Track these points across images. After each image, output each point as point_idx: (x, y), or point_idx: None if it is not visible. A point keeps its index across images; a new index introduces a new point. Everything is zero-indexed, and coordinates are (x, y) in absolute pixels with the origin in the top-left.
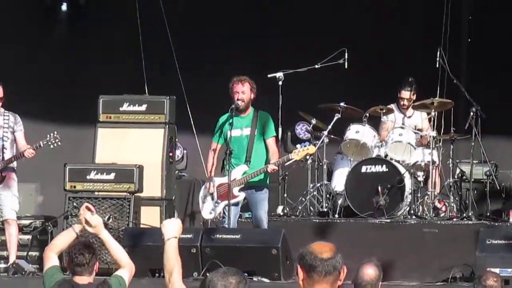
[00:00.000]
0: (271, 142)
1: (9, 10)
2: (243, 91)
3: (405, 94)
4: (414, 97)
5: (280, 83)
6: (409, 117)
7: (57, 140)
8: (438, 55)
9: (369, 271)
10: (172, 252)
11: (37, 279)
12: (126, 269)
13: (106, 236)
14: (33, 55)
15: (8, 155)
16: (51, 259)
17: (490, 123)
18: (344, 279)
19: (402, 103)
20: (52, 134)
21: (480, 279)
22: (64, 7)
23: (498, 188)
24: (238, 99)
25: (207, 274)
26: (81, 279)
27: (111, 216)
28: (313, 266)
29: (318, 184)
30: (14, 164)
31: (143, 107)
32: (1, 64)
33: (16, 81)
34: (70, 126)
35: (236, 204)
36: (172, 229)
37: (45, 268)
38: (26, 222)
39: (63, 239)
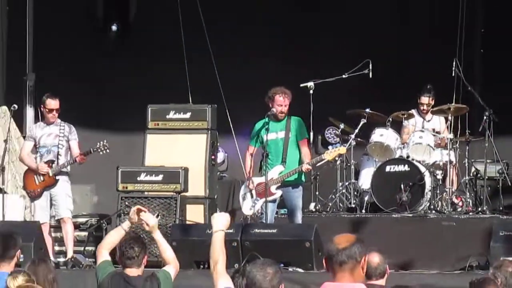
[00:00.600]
0: (303, 143)
1: (63, 28)
2: (286, 104)
3: (425, 99)
4: (432, 102)
5: (311, 91)
6: (428, 121)
7: (106, 148)
8: (454, 64)
9: (375, 259)
10: (218, 243)
11: (93, 272)
12: (172, 266)
13: (158, 236)
14: (87, 71)
15: (62, 161)
16: (103, 255)
17: (502, 126)
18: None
19: (422, 108)
20: (101, 142)
21: (501, 267)
22: (114, 27)
23: (510, 184)
24: (281, 112)
25: (247, 265)
26: (131, 271)
27: (159, 214)
28: (331, 256)
29: (347, 183)
30: (68, 168)
31: (188, 115)
32: (58, 80)
33: (72, 95)
34: (122, 133)
35: (273, 201)
36: (220, 222)
37: (98, 263)
38: (83, 220)
39: (113, 237)
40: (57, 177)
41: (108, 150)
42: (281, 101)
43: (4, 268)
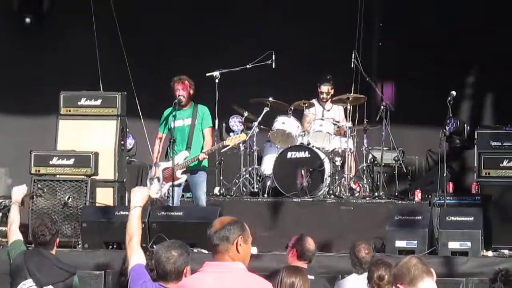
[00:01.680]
0: (206, 132)
1: None
2: (183, 88)
3: (324, 88)
4: (332, 91)
5: (217, 80)
6: (328, 110)
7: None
8: (353, 56)
9: (313, 245)
10: (135, 219)
11: (5, 251)
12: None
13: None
14: (1, 59)
15: None
16: (15, 234)
17: (398, 115)
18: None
19: (321, 96)
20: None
21: (354, 251)
22: (28, 19)
23: (405, 171)
24: (179, 95)
25: (154, 246)
26: None
27: (70, 196)
28: (207, 239)
29: (250, 168)
30: None
31: (98, 102)
32: None
33: None
34: (35, 118)
35: (179, 185)
36: (138, 198)
37: (9, 242)
38: None
39: (13, 214)
40: None
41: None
42: (177, 87)
43: None
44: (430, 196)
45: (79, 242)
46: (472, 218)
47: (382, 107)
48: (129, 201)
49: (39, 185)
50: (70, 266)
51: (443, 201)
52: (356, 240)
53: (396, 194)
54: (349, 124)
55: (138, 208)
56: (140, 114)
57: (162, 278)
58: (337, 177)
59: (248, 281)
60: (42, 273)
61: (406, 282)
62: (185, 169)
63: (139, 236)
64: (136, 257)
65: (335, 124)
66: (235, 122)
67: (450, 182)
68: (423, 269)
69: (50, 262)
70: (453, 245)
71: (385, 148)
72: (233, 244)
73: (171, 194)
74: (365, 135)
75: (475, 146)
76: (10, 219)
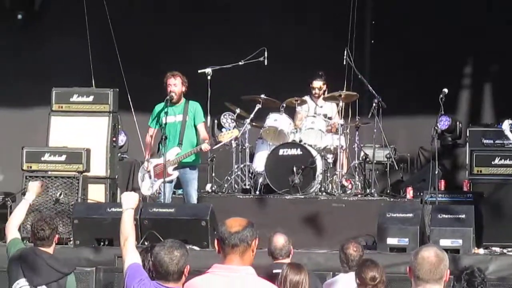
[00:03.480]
0: (201, 127)
1: None
2: (175, 83)
3: (316, 84)
4: (324, 87)
5: (209, 77)
6: (321, 107)
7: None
8: (345, 54)
9: (280, 240)
10: (128, 221)
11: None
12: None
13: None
14: None
15: None
16: (12, 232)
17: (390, 112)
18: (260, 247)
19: (314, 92)
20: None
21: (342, 248)
22: (20, 16)
23: (396, 168)
24: (171, 91)
25: (146, 243)
26: (42, 249)
27: (62, 193)
28: (223, 239)
29: (242, 165)
30: None
31: (90, 98)
32: None
33: None
34: (27, 114)
35: (170, 182)
36: (130, 201)
37: (8, 240)
38: None
39: (20, 211)
40: None
41: None
42: (170, 82)
43: None
44: (421, 194)
45: (71, 239)
46: (463, 216)
47: (374, 104)
48: (121, 199)
49: (30, 181)
50: (65, 265)
51: (434, 199)
52: (347, 239)
53: (388, 191)
54: (341, 121)
55: (130, 210)
56: (132, 110)
57: (162, 278)
58: (329, 174)
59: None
60: (36, 273)
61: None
62: (176, 165)
63: (134, 236)
64: (131, 256)
65: (326, 121)
66: (227, 119)
67: (442, 180)
68: None
69: (44, 261)
70: (445, 242)
71: (377, 146)
72: (250, 246)
73: (162, 190)
74: (357, 132)
75: (467, 143)
76: (15, 214)
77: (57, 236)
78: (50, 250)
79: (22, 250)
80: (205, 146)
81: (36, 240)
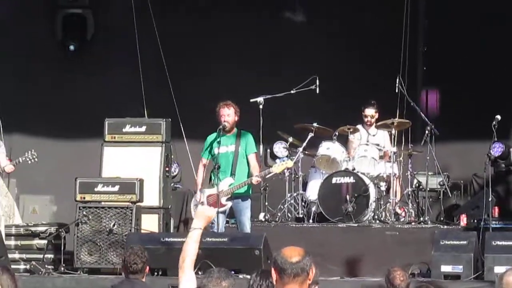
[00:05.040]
0: (252, 157)
1: (23, 46)
2: (229, 114)
3: (369, 111)
4: (376, 115)
5: (261, 106)
6: (374, 135)
7: (34, 157)
8: (397, 81)
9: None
10: (191, 241)
11: (51, 278)
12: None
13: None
14: (46, 87)
15: None
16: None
17: (443, 139)
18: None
19: (366, 120)
20: (29, 152)
21: (389, 278)
22: (72, 47)
23: (450, 195)
24: (224, 121)
25: (199, 273)
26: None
27: (116, 223)
28: (283, 269)
29: (295, 194)
30: None
31: (143, 128)
32: (15, 93)
33: (32, 110)
34: (80, 145)
35: (223, 212)
36: (201, 220)
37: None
38: (42, 228)
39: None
40: None
41: (36, 159)
42: (223, 112)
43: None
44: (475, 221)
45: None
46: None
47: (426, 131)
48: (175, 227)
49: (84, 212)
50: None
51: (488, 226)
52: (392, 267)
53: (442, 218)
54: (394, 149)
55: (198, 230)
56: (185, 140)
57: None
58: (382, 202)
59: None
60: None
61: None
62: (229, 195)
63: (193, 258)
64: (185, 281)
65: (379, 149)
66: (279, 148)
67: (496, 207)
68: None
69: (143, 286)
70: (500, 269)
71: (430, 173)
72: (308, 275)
73: (216, 220)
74: (410, 160)
75: None
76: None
77: (148, 267)
78: (143, 280)
79: (117, 283)
80: (256, 179)
81: (129, 274)
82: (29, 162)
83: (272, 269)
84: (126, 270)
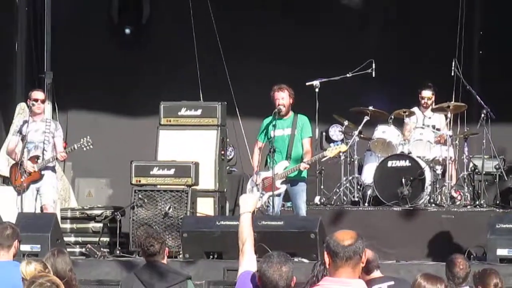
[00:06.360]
0: (306, 142)
1: (80, 30)
2: (283, 97)
3: (426, 93)
4: (433, 98)
5: (317, 90)
6: (429, 118)
7: (89, 144)
8: (453, 64)
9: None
10: (245, 224)
11: (107, 262)
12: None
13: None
14: (102, 70)
15: (47, 156)
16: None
17: (499, 123)
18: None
19: (423, 101)
20: (85, 139)
21: (448, 265)
22: (127, 30)
23: (506, 179)
24: (279, 105)
25: (262, 264)
26: None
27: (171, 206)
28: (336, 252)
29: (350, 177)
30: (54, 163)
31: (199, 112)
32: (75, 78)
33: (88, 94)
34: (136, 129)
35: (278, 195)
36: (248, 204)
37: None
38: (98, 212)
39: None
40: (42, 172)
41: (91, 146)
42: (277, 96)
43: (3, 258)
44: None
45: (180, 252)
46: None
47: (482, 115)
48: (230, 210)
49: (139, 196)
50: (183, 273)
51: None
52: (454, 254)
53: (497, 202)
54: (450, 132)
55: (247, 214)
56: (240, 123)
57: None
58: (437, 186)
59: None
60: (156, 280)
61: None
62: (285, 179)
63: (251, 241)
64: (245, 263)
65: (435, 132)
66: (335, 132)
67: None
68: None
69: (162, 269)
70: None
71: (486, 156)
72: (361, 258)
73: (271, 203)
74: (465, 143)
75: None
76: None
77: (167, 248)
78: (164, 262)
79: (137, 268)
80: (303, 166)
81: (148, 257)
82: (84, 149)
83: (325, 253)
84: (145, 253)
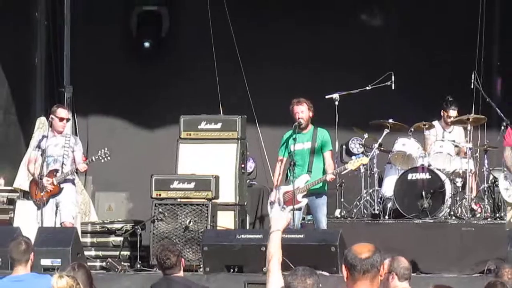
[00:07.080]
0: (327, 155)
1: (100, 44)
2: (302, 110)
3: (453, 113)
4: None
5: (336, 103)
6: (450, 132)
7: (106, 155)
8: (472, 77)
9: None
10: (273, 243)
11: (127, 276)
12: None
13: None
14: (122, 84)
15: (66, 170)
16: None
17: None
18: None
19: (449, 120)
20: (102, 150)
21: (497, 274)
22: (147, 44)
23: None
24: (299, 118)
25: (287, 276)
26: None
27: (191, 220)
28: (354, 265)
29: (371, 190)
30: (73, 176)
31: (218, 125)
32: (94, 92)
33: (108, 107)
34: (156, 142)
35: (299, 209)
36: (278, 223)
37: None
38: (118, 226)
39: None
40: (61, 185)
41: (109, 158)
42: (296, 109)
43: (22, 272)
44: None
45: (201, 266)
46: None
47: (502, 127)
48: (250, 224)
49: (160, 209)
50: (200, 285)
51: None
52: (503, 265)
53: None
54: (470, 145)
55: (277, 232)
56: (260, 137)
57: None
58: (458, 198)
59: None
60: None
61: None
62: (305, 192)
63: (278, 259)
64: (273, 281)
65: (455, 146)
66: (355, 145)
67: None
68: None
69: (181, 284)
70: None
71: (505, 169)
72: (379, 271)
73: (292, 217)
74: (485, 156)
75: None
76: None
77: (183, 261)
78: (181, 274)
79: (154, 283)
80: (330, 177)
81: (165, 270)
82: (102, 160)
83: (343, 266)
84: (161, 267)
